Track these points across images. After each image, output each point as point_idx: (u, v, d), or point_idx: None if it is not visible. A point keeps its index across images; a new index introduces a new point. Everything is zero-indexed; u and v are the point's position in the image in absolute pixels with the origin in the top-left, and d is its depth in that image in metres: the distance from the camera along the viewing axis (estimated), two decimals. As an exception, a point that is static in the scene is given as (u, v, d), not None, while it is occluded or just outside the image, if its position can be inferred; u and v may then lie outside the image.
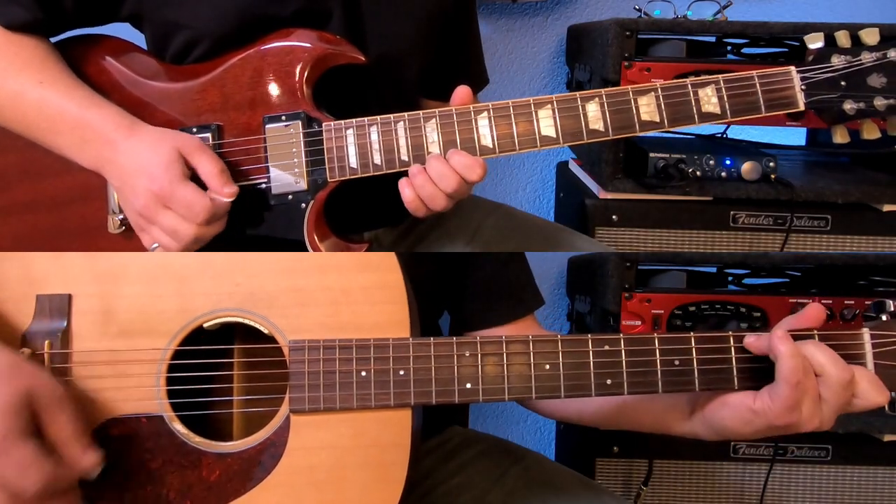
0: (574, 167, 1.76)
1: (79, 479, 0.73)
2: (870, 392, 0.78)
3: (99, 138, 0.91)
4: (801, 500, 1.51)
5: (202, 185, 0.91)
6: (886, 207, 1.47)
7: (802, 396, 0.76)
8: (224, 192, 0.90)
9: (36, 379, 0.71)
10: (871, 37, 0.90)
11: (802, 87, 0.90)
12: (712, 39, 1.55)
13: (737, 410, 0.80)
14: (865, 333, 0.81)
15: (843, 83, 0.90)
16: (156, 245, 0.92)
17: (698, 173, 1.46)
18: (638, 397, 0.90)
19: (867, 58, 0.89)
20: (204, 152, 0.91)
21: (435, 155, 0.91)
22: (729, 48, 1.55)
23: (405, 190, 0.92)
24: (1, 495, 0.67)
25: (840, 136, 0.93)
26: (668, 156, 1.46)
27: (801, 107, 0.90)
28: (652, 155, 1.47)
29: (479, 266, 1.07)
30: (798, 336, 0.80)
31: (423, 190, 0.91)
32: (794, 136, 1.87)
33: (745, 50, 1.55)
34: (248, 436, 0.79)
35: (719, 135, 1.70)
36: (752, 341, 0.80)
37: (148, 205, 0.89)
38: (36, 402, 0.69)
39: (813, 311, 0.81)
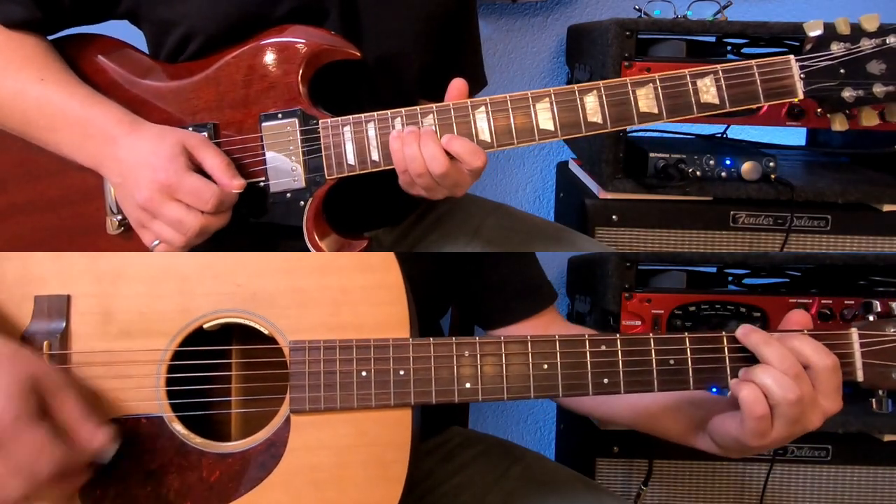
0: (574, 167, 1.76)
1: (94, 461, 0.73)
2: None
3: (100, 134, 0.91)
4: (801, 500, 1.51)
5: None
6: (886, 207, 1.47)
7: (769, 427, 0.77)
8: (233, 184, 0.91)
9: (37, 365, 0.71)
10: (870, 23, 0.89)
11: (801, 75, 0.89)
12: (712, 39, 1.55)
13: (720, 434, 0.83)
14: (854, 333, 0.82)
15: (842, 70, 0.89)
16: (157, 242, 0.91)
17: (698, 173, 1.46)
18: (664, 410, 0.92)
19: (866, 44, 0.88)
20: (208, 147, 0.91)
21: (429, 131, 0.90)
22: (729, 48, 1.55)
23: (393, 142, 0.90)
24: (16, 479, 0.67)
25: (839, 125, 0.93)
26: (668, 156, 1.46)
27: (801, 95, 0.90)
28: (652, 155, 1.47)
29: (492, 265, 1.07)
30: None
31: (412, 164, 0.89)
32: (794, 136, 1.87)
33: (745, 50, 1.55)
34: (246, 436, 0.79)
35: (719, 135, 1.69)
36: (745, 334, 0.81)
37: (152, 197, 0.88)
38: (41, 387, 0.69)
39: (796, 318, 0.83)
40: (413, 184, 0.91)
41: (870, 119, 0.91)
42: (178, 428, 0.79)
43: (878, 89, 0.89)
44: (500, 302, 1.07)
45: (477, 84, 1.26)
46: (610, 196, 1.49)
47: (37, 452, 0.67)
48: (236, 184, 0.91)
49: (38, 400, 0.69)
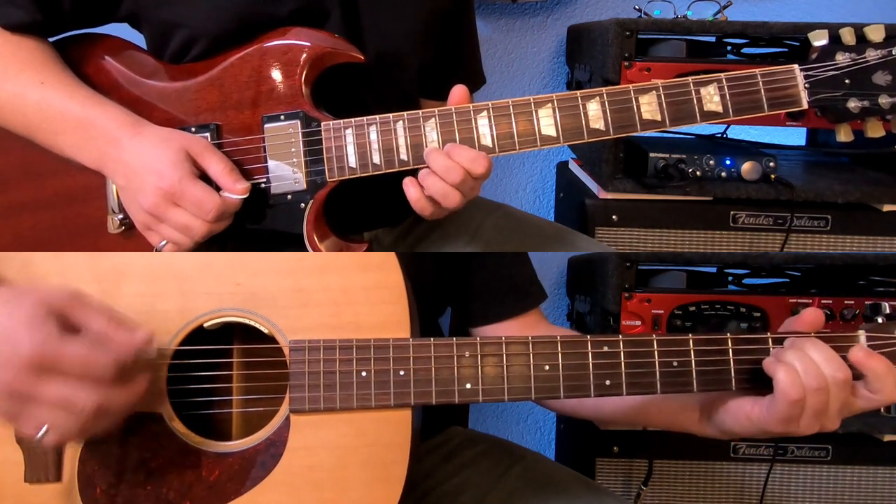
0: (574, 167, 1.76)
1: (141, 357, 0.73)
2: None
3: (102, 136, 0.91)
4: (801, 500, 1.51)
5: (211, 185, 0.91)
6: (886, 207, 1.47)
7: (800, 413, 0.77)
8: (237, 188, 0.91)
9: (45, 292, 0.71)
10: (876, 34, 0.89)
11: (806, 85, 0.89)
12: (712, 39, 1.55)
13: (736, 416, 0.82)
14: (861, 335, 0.82)
15: (847, 81, 0.89)
16: (164, 243, 0.92)
17: (698, 173, 1.46)
18: (652, 399, 0.91)
19: (872, 55, 0.88)
20: (212, 152, 0.92)
21: (434, 149, 0.90)
22: (729, 48, 1.55)
23: (410, 189, 0.91)
24: (84, 390, 0.67)
25: (844, 135, 0.93)
26: (668, 156, 1.46)
27: (805, 105, 0.90)
28: (652, 155, 1.47)
29: (482, 264, 1.07)
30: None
31: (434, 188, 0.90)
32: (794, 136, 1.87)
33: (745, 50, 1.55)
34: (247, 436, 0.79)
35: (719, 135, 1.69)
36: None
37: (157, 203, 0.89)
38: (59, 310, 0.69)
39: (810, 316, 0.82)
40: (430, 208, 0.92)
41: (875, 130, 0.91)
42: (179, 427, 0.79)
43: (884, 100, 0.88)
44: (483, 300, 1.07)
45: (476, 82, 1.26)
46: (610, 196, 1.49)
47: (87, 359, 0.67)
48: (240, 188, 0.91)
49: (62, 321, 0.69)
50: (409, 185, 0.92)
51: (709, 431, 0.87)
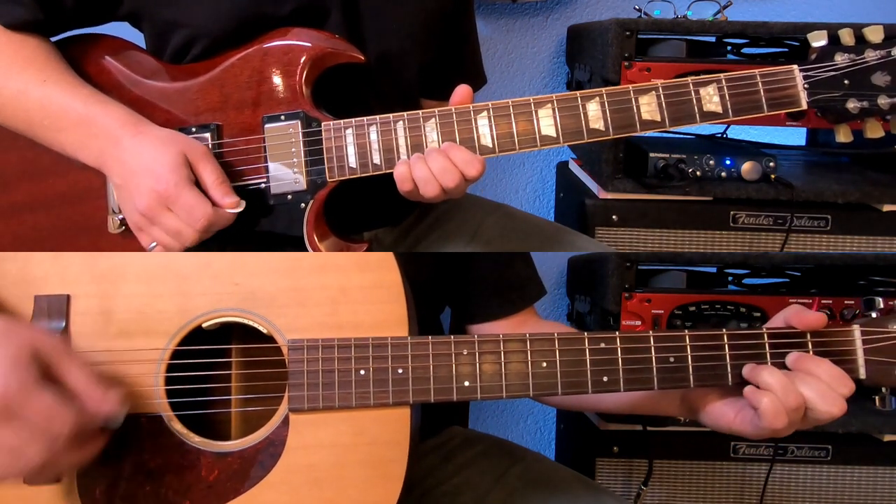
0: (574, 167, 1.76)
1: (106, 426, 0.72)
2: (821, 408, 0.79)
3: (103, 134, 0.91)
4: (801, 500, 1.51)
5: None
6: (886, 207, 1.47)
7: (780, 428, 0.79)
8: (225, 202, 0.91)
9: (36, 335, 0.70)
10: (875, 34, 0.89)
11: (805, 85, 0.90)
12: (712, 39, 1.55)
13: (717, 421, 0.84)
14: (856, 330, 0.82)
15: (846, 82, 0.89)
16: (154, 244, 0.92)
17: (698, 173, 1.46)
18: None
19: (871, 56, 0.89)
20: (209, 160, 0.92)
21: (435, 148, 0.91)
22: (729, 48, 1.55)
23: (400, 166, 0.91)
24: (35, 444, 0.66)
25: (843, 136, 0.93)
26: (668, 156, 1.46)
27: (804, 106, 0.90)
28: (652, 155, 1.47)
29: (480, 262, 1.07)
30: (789, 336, 0.82)
31: (419, 173, 0.90)
32: (794, 136, 1.87)
33: (745, 50, 1.55)
34: (246, 435, 0.79)
35: (719, 135, 1.69)
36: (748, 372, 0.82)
37: (151, 205, 0.89)
38: (43, 356, 0.69)
39: (811, 319, 0.83)
40: (410, 184, 0.92)
41: (874, 131, 0.91)
42: (178, 427, 0.79)
43: (883, 101, 0.89)
44: (478, 299, 1.07)
45: (478, 81, 1.26)
46: (610, 196, 1.49)
47: (50, 415, 0.66)
48: (228, 202, 0.91)
49: (43, 368, 0.68)
50: (401, 163, 0.92)
51: (689, 417, 0.89)
